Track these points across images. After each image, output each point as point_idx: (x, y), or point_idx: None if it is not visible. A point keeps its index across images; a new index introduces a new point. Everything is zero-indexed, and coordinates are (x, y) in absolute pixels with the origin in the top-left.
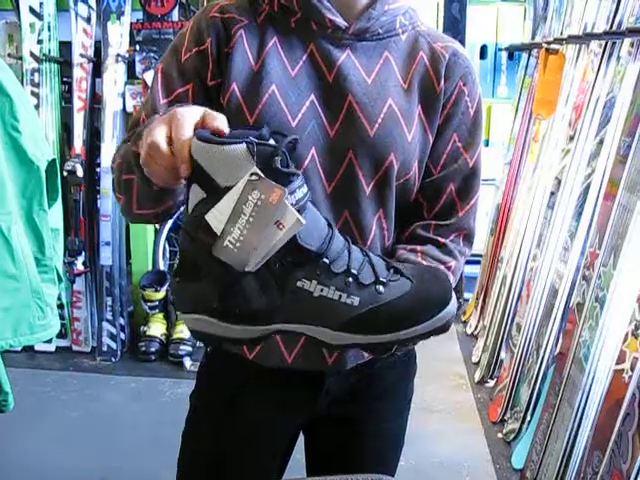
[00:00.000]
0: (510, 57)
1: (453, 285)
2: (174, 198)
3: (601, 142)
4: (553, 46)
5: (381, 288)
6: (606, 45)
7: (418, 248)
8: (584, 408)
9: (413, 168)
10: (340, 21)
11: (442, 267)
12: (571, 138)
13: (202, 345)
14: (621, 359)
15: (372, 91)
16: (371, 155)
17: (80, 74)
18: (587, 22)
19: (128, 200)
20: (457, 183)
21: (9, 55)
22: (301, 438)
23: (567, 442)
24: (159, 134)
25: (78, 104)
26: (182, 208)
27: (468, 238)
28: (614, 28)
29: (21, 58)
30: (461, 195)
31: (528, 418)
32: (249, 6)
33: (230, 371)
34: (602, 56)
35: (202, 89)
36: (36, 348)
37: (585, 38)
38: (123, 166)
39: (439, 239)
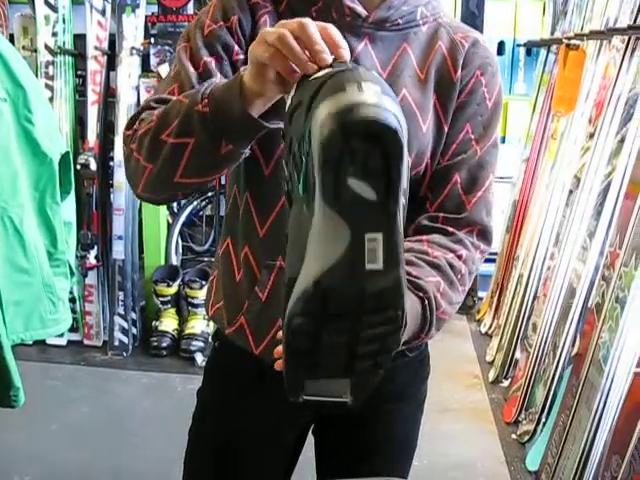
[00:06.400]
0: (528, 53)
1: (469, 280)
2: (231, 166)
3: (622, 140)
4: (574, 42)
5: None
6: (629, 40)
7: (424, 237)
8: (602, 411)
9: (426, 159)
10: (359, 9)
11: (451, 255)
12: (591, 136)
13: (212, 340)
14: None
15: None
16: None
17: (94, 67)
18: (609, 17)
19: (169, 167)
20: (463, 173)
21: (24, 48)
22: (311, 439)
23: (584, 445)
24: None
25: (92, 97)
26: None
27: (482, 233)
28: (638, 22)
29: (35, 51)
30: (467, 186)
31: (543, 419)
32: None
33: (237, 367)
34: (625, 52)
35: (228, 63)
36: (47, 342)
37: (608, 33)
38: (166, 128)
39: (447, 228)
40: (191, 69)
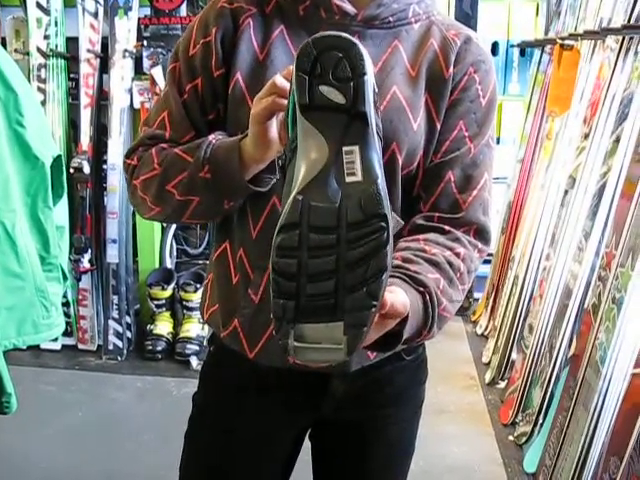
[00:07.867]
0: (522, 54)
1: (469, 279)
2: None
3: (617, 140)
4: (568, 42)
5: None
6: (623, 40)
7: (420, 237)
8: (600, 412)
9: (418, 157)
10: (348, 7)
11: (448, 253)
12: (586, 136)
13: (207, 344)
14: (639, 362)
15: (376, 80)
16: None
17: (87, 70)
18: (603, 17)
19: (177, 214)
20: (456, 171)
21: (16, 51)
22: (308, 444)
23: (582, 446)
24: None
25: (85, 100)
26: None
27: (480, 233)
28: (632, 22)
29: (28, 54)
30: (461, 185)
31: (540, 421)
32: None
33: (232, 371)
34: (619, 51)
35: (209, 82)
36: (41, 346)
37: (602, 33)
38: (171, 180)
39: (444, 227)
40: (177, 96)
